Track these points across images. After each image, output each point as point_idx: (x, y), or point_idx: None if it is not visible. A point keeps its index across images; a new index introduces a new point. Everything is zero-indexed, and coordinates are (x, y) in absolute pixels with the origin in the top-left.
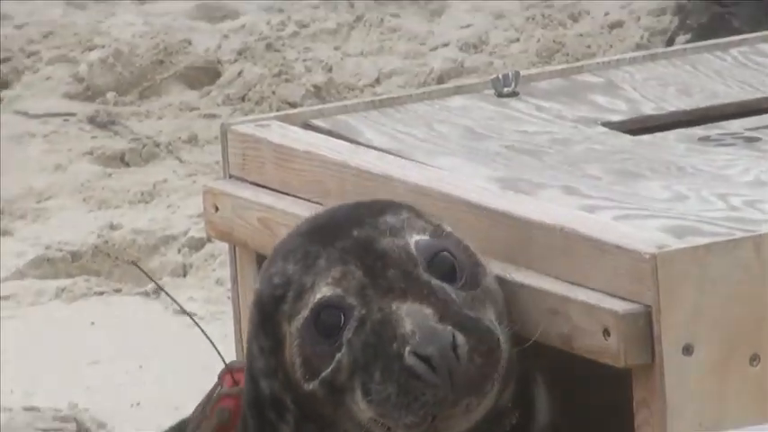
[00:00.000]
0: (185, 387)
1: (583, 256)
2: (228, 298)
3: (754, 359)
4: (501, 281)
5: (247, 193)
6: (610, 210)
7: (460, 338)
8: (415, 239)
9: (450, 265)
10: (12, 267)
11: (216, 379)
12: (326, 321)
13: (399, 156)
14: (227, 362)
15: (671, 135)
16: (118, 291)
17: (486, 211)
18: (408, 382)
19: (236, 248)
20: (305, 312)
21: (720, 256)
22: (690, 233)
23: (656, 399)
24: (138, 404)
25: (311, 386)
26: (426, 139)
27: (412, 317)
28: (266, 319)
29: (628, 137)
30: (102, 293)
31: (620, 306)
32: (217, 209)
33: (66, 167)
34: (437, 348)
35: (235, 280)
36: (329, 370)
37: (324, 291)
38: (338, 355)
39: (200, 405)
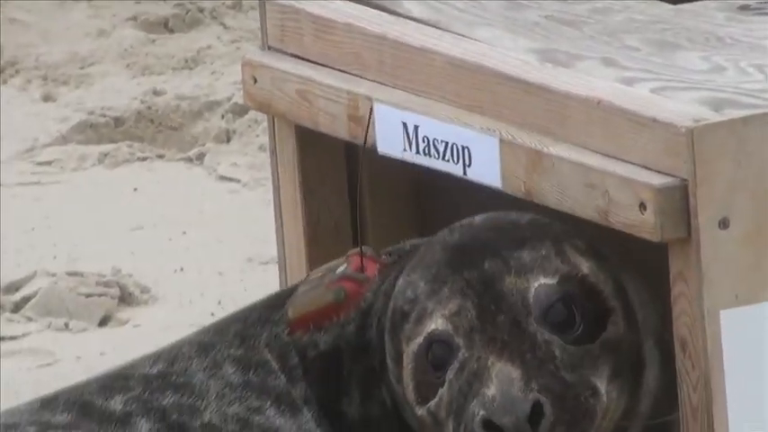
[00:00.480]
0: (229, 253)
1: (620, 129)
2: None
3: None
4: (538, 155)
5: (286, 64)
6: (647, 82)
7: (547, 408)
8: (539, 283)
9: (565, 316)
10: (55, 133)
11: (339, 256)
12: (437, 353)
13: (438, 27)
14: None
15: (711, 4)
16: (161, 156)
17: (524, 83)
18: None
19: (275, 120)
20: (419, 339)
21: (758, 129)
22: (727, 105)
23: (692, 272)
24: (182, 269)
25: (420, 411)
26: (465, 10)
27: (499, 379)
28: (393, 327)
29: (668, 6)
30: (145, 159)
31: (656, 180)
32: (255, 80)
33: (110, 33)
34: (512, 420)
35: (273, 151)
36: (434, 401)
37: (438, 323)
38: (440, 391)
39: (317, 271)
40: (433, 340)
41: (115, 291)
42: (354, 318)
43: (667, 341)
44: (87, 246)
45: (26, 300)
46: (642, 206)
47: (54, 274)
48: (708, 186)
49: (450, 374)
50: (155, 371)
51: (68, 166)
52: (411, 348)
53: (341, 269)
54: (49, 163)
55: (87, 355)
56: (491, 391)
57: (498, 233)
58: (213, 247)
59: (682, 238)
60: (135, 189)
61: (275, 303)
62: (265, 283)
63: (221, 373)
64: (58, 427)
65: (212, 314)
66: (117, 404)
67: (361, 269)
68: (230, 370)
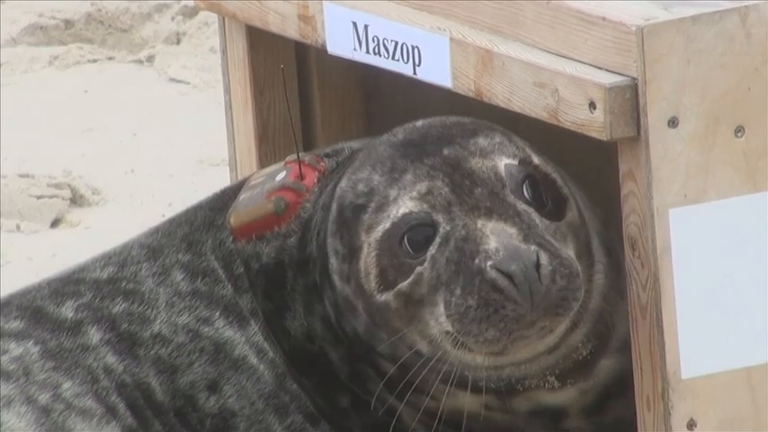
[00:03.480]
0: (179, 154)
1: (570, 28)
2: None
3: (739, 131)
4: (488, 54)
5: None
6: None
7: (545, 259)
8: (505, 162)
9: (537, 192)
10: (5, 35)
11: (278, 161)
12: (413, 236)
13: None
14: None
15: None
16: (111, 58)
17: None
18: (489, 295)
19: (226, 20)
20: (386, 224)
21: (707, 28)
22: (677, 4)
23: (641, 171)
24: (132, 171)
25: (384, 297)
26: None
27: (497, 235)
28: (344, 224)
29: None
30: (95, 61)
31: (606, 79)
32: None
33: None
34: (520, 267)
35: (224, 51)
36: (407, 282)
37: (409, 205)
38: (419, 269)
39: (258, 176)
40: (407, 223)
41: (66, 192)
42: (296, 230)
43: (611, 245)
44: (38, 148)
45: None
46: (592, 105)
47: (5, 176)
48: (657, 85)
49: (432, 250)
50: (105, 275)
51: (18, 68)
52: (374, 236)
53: (280, 176)
54: None
55: (39, 257)
56: (492, 244)
57: (446, 129)
58: (164, 149)
59: (631, 137)
60: (85, 91)
61: (219, 205)
62: (216, 185)
63: (170, 280)
64: (10, 335)
65: (163, 215)
66: (68, 311)
67: (300, 177)
68: (179, 277)
